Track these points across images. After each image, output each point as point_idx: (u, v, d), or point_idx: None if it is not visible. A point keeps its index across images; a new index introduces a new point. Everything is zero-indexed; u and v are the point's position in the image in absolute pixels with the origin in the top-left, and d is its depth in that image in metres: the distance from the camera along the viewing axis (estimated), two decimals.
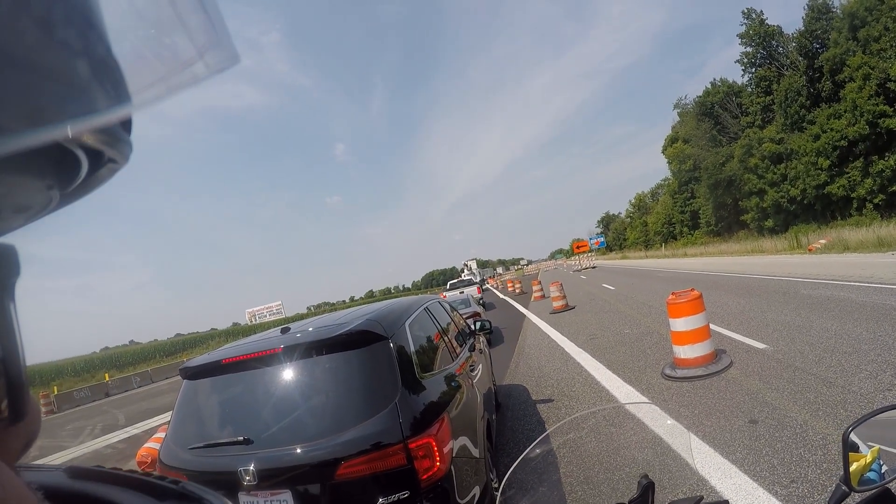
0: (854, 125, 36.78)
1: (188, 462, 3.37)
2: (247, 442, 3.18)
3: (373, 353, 3.37)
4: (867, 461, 1.21)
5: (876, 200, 36.86)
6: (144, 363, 60.25)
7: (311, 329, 3.63)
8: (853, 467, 1.20)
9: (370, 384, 3.30)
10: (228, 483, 3.13)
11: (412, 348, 3.77)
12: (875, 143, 36.65)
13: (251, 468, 3.05)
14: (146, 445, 7.44)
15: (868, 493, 1.21)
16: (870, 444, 1.24)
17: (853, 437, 1.25)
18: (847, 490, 1.19)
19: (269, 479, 3.06)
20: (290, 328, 3.82)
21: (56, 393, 32.77)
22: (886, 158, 35.84)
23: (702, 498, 1.42)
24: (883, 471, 1.22)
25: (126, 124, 0.32)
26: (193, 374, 3.70)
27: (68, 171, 0.30)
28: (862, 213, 37.44)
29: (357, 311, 4.29)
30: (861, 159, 37.68)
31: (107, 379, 38.76)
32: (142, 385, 37.04)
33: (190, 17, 0.30)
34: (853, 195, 38.52)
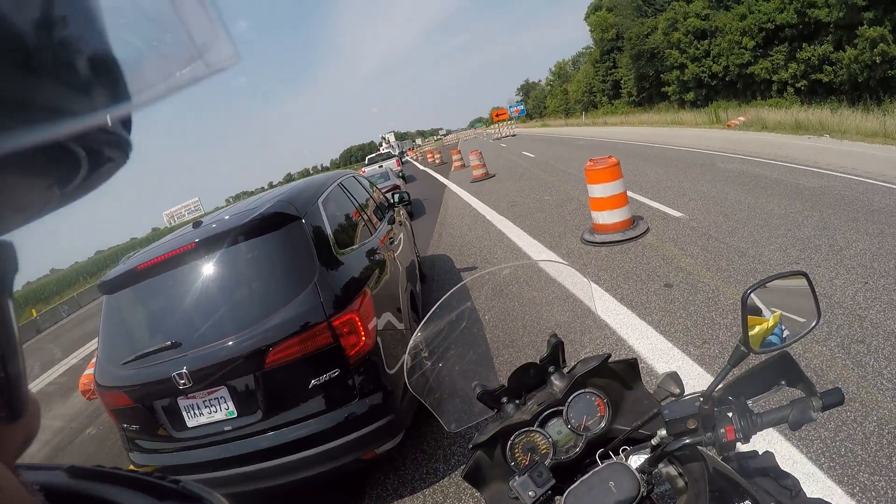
0: (782, 12, 36.74)
1: (123, 378, 3.29)
2: (175, 346, 3.13)
3: (287, 235, 3.33)
4: (769, 325, 1.24)
5: (798, 85, 37.42)
6: (70, 289, 57.83)
7: (223, 219, 3.56)
8: (755, 330, 1.22)
9: (288, 267, 3.28)
10: (166, 391, 3.14)
11: (328, 226, 3.73)
12: (802, 32, 36.76)
13: (184, 371, 3.03)
14: (86, 373, 7.26)
15: (768, 355, 1.24)
16: (773, 308, 1.26)
17: (756, 301, 1.26)
18: (746, 350, 1.20)
19: (203, 379, 3.05)
20: (202, 222, 3.72)
21: None
22: (813, 47, 36.10)
23: (609, 355, 1.44)
24: (784, 335, 1.25)
25: (126, 123, 0.31)
26: (111, 287, 3.53)
27: (68, 171, 0.29)
28: (783, 95, 38.09)
29: (268, 194, 4.24)
30: (786, 44, 37.85)
31: (34, 314, 36.65)
32: (71, 313, 35.57)
33: (190, 16, 0.30)
34: (775, 77, 39.01)
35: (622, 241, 7.42)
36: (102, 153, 0.29)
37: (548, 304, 4.74)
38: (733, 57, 40.70)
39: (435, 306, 1.66)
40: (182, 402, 3.15)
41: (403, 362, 1.67)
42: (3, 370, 0.29)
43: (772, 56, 38.72)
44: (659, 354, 4.21)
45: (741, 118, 25.73)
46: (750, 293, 1.22)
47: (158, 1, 0.28)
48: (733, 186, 9.91)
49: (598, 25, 64.23)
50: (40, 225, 0.31)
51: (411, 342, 1.62)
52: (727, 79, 42.69)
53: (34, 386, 13.13)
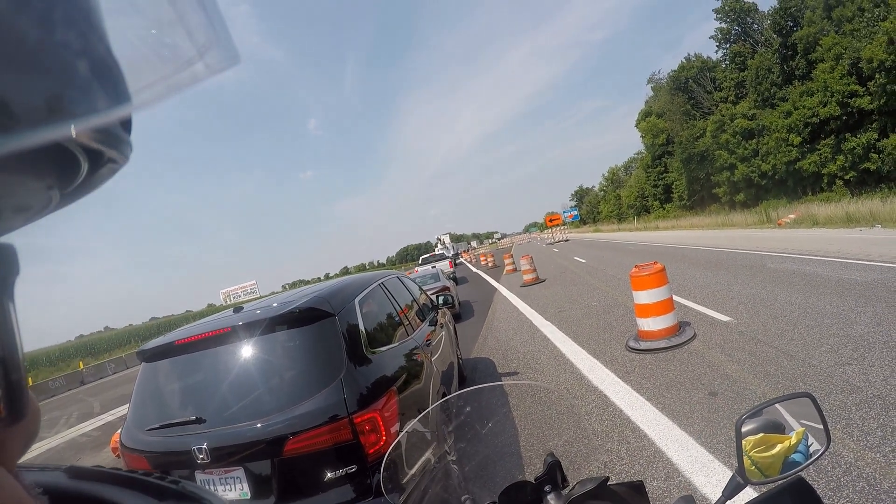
0: (825, 105, 36.74)
1: (146, 443, 3.44)
2: (199, 421, 3.27)
3: (318, 330, 3.43)
4: (791, 443, 1.13)
5: (847, 177, 36.88)
6: (119, 349, 59.79)
7: (263, 307, 3.69)
8: (776, 449, 1.12)
9: (317, 360, 3.35)
10: (184, 462, 3.22)
11: (361, 324, 3.81)
12: (846, 123, 36.54)
13: (204, 446, 3.10)
14: (119, 431, 7.44)
15: (774, 484, 1.10)
16: (803, 421, 1.16)
17: (783, 414, 1.17)
18: (742, 482, 1.11)
19: (222, 457, 3.13)
20: (242, 308, 3.87)
21: (31, 384, 32.03)
22: (858, 136, 35.77)
23: (608, 478, 1.35)
24: (811, 451, 1.14)
25: (126, 124, 0.32)
26: (150, 356, 3.72)
27: (68, 171, 0.30)
28: (833, 189, 37.48)
29: (311, 288, 4.37)
30: (832, 137, 37.56)
31: (81, 367, 37.93)
32: (117, 371, 36.53)
33: (190, 17, 0.30)
34: (824, 171, 38.49)
35: (667, 348, 7.26)
36: (103, 154, 0.30)
37: (542, 419, 4.66)
38: (781, 154, 40.49)
39: (421, 414, 1.65)
40: (199, 476, 3.22)
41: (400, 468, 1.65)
42: (4, 374, 0.29)
43: (819, 150, 38.37)
44: (699, 467, 4.04)
45: (791, 216, 25.50)
46: (745, 420, 1.16)
47: (158, 1, 0.29)
48: (783, 287, 9.72)
49: (649, 131, 65.37)
50: (41, 226, 0.31)
51: (390, 449, 1.62)
52: (776, 177, 42.33)
53: (68, 435, 13.55)
